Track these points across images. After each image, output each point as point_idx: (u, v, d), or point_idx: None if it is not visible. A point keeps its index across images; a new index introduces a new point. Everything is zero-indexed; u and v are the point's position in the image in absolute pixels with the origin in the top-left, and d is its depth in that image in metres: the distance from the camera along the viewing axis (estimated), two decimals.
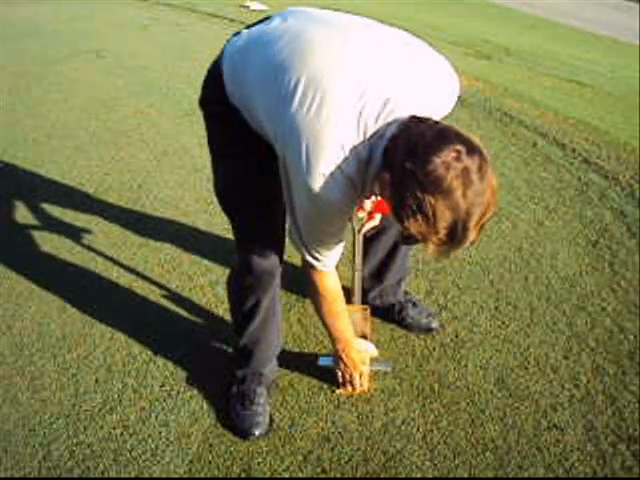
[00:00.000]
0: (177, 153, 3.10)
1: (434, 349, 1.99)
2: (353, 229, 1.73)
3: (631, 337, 2.04)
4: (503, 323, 2.10)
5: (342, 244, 1.44)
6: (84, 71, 4.30)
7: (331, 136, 1.19)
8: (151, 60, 4.56)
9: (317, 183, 1.22)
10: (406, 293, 2.09)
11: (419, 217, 1.08)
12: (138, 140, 3.30)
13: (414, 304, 2.06)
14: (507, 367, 1.92)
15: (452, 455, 1.65)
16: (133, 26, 5.52)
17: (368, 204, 1.70)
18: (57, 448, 1.66)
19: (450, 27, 7.84)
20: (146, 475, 1.60)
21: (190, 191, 2.80)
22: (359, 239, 1.76)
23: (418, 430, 1.72)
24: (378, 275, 1.98)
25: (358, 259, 1.78)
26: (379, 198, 1.56)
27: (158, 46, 4.95)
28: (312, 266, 1.45)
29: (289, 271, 1.92)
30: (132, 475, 1.60)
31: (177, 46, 4.97)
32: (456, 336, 2.04)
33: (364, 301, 1.95)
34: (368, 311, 1.90)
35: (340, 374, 1.75)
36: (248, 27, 1.46)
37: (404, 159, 1.09)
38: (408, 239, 1.17)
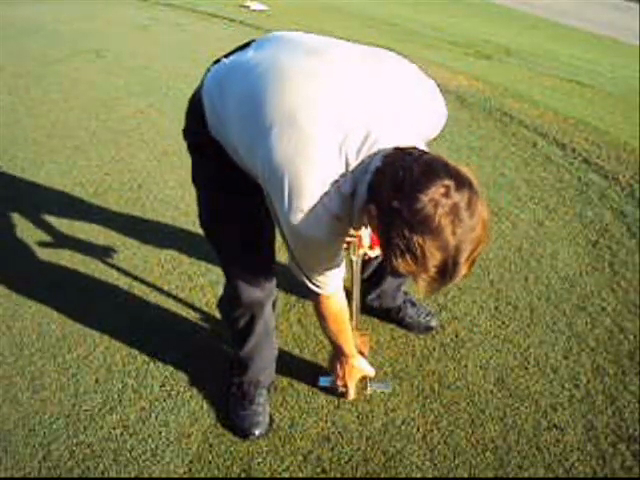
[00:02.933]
0: (177, 153, 3.10)
1: (434, 349, 1.99)
2: (351, 261, 1.72)
3: (631, 337, 2.04)
4: (503, 323, 2.10)
5: (341, 268, 1.41)
6: (84, 71, 4.30)
7: (311, 173, 1.15)
8: (151, 60, 4.56)
9: (300, 221, 1.19)
10: (405, 293, 2.09)
11: (407, 257, 1.04)
12: (138, 140, 3.30)
13: (412, 304, 2.06)
14: (507, 367, 1.92)
15: (452, 455, 1.65)
16: (133, 26, 5.52)
17: (366, 240, 1.68)
18: (57, 448, 1.66)
19: (450, 27, 7.85)
20: (146, 475, 1.60)
21: (190, 191, 2.75)
22: (357, 270, 1.75)
23: (418, 430, 1.72)
24: (376, 279, 1.98)
25: (356, 288, 1.77)
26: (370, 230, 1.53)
27: (158, 46, 4.95)
28: (314, 292, 1.43)
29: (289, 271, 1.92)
30: (132, 475, 1.60)
31: (177, 46, 4.97)
32: (456, 336, 2.04)
33: (363, 302, 1.95)
34: (367, 337, 1.90)
35: (337, 381, 1.76)
36: (227, 55, 1.41)
37: (390, 197, 1.03)
38: (397, 273, 1.12)
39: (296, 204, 1.17)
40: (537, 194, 2.88)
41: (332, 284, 1.42)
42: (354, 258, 1.71)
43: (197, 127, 1.39)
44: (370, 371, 1.75)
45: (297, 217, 1.18)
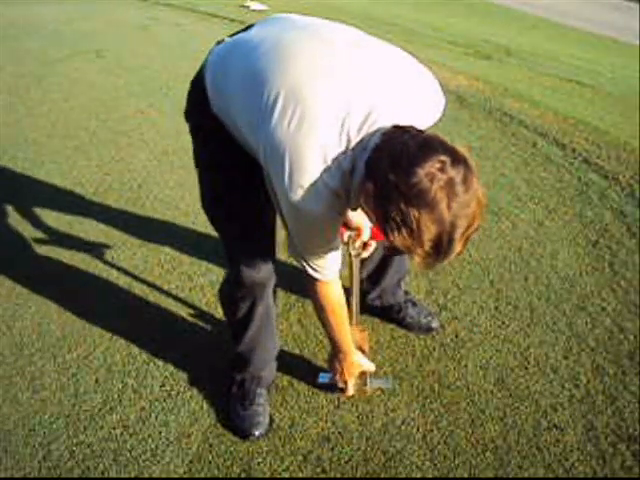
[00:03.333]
0: (177, 153, 3.11)
1: (434, 349, 1.99)
2: (350, 254, 1.73)
3: (631, 337, 2.04)
4: (503, 323, 2.10)
5: (339, 252, 1.42)
6: (84, 71, 4.30)
7: (313, 150, 1.17)
8: (151, 60, 4.56)
9: (301, 197, 1.21)
10: (406, 293, 2.09)
11: (403, 230, 1.06)
12: (138, 140, 3.30)
13: (413, 304, 2.06)
14: (507, 367, 1.92)
15: (452, 455, 1.65)
16: (133, 26, 5.52)
17: (367, 234, 1.69)
18: (57, 448, 1.66)
19: (450, 27, 7.85)
20: (146, 475, 1.60)
21: (190, 191, 2.80)
22: (356, 264, 1.75)
23: (418, 430, 1.72)
24: (376, 277, 1.98)
25: (355, 284, 1.77)
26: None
27: (158, 46, 4.95)
28: (313, 277, 1.43)
29: (289, 271, 1.92)
30: (132, 475, 1.60)
31: (177, 46, 4.97)
32: (456, 336, 2.04)
33: (364, 302, 1.95)
34: (366, 332, 1.90)
35: (336, 377, 1.75)
36: (231, 36, 1.43)
37: (387, 171, 1.06)
38: (393, 250, 1.14)
39: (297, 179, 1.19)
40: (537, 194, 2.88)
41: (330, 268, 1.42)
42: (354, 252, 1.72)
43: (200, 106, 1.41)
44: (370, 366, 1.74)
45: (297, 192, 1.20)
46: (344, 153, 1.18)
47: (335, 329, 1.59)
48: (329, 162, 1.18)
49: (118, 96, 3.88)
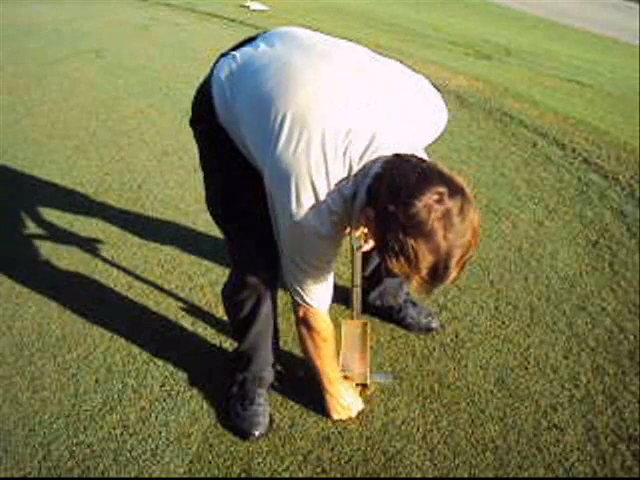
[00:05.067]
0: (177, 153, 3.11)
1: (434, 349, 1.99)
2: (352, 247, 1.73)
3: (631, 337, 2.04)
4: (503, 323, 2.10)
5: (331, 282, 1.46)
6: (84, 71, 4.30)
7: (319, 176, 1.21)
8: (151, 60, 4.56)
9: (306, 218, 1.24)
10: (407, 293, 2.09)
11: (401, 258, 1.10)
12: (138, 140, 3.30)
13: (414, 304, 2.06)
14: (507, 367, 1.92)
15: (452, 455, 1.65)
16: (133, 26, 5.52)
17: None
18: (57, 448, 1.66)
19: (450, 27, 7.85)
20: (146, 475, 1.60)
21: (190, 191, 2.80)
22: (357, 257, 1.76)
23: (418, 430, 1.72)
24: (377, 277, 1.98)
25: (357, 277, 1.78)
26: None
27: (158, 46, 4.95)
28: (307, 304, 1.46)
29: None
30: (132, 475, 1.60)
31: (177, 46, 4.97)
32: (456, 336, 2.04)
33: (365, 301, 1.95)
34: (368, 326, 1.90)
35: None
36: (235, 48, 1.44)
37: (387, 201, 1.10)
38: (391, 273, 1.18)
39: (304, 202, 1.23)
40: (537, 194, 2.88)
41: (324, 296, 1.47)
42: (355, 245, 1.72)
43: (206, 117, 1.43)
44: (357, 405, 1.75)
45: (303, 215, 1.24)
46: (346, 179, 1.22)
47: (323, 356, 1.60)
48: (333, 188, 1.22)
49: (118, 96, 3.88)
